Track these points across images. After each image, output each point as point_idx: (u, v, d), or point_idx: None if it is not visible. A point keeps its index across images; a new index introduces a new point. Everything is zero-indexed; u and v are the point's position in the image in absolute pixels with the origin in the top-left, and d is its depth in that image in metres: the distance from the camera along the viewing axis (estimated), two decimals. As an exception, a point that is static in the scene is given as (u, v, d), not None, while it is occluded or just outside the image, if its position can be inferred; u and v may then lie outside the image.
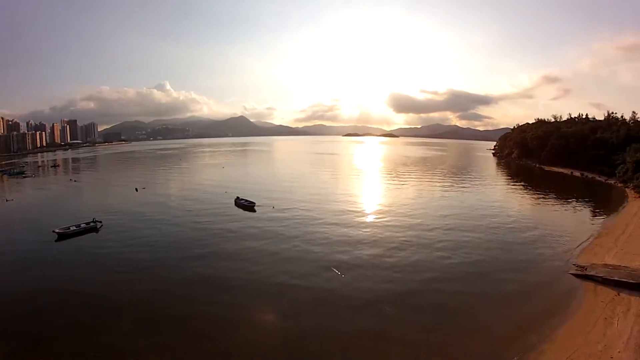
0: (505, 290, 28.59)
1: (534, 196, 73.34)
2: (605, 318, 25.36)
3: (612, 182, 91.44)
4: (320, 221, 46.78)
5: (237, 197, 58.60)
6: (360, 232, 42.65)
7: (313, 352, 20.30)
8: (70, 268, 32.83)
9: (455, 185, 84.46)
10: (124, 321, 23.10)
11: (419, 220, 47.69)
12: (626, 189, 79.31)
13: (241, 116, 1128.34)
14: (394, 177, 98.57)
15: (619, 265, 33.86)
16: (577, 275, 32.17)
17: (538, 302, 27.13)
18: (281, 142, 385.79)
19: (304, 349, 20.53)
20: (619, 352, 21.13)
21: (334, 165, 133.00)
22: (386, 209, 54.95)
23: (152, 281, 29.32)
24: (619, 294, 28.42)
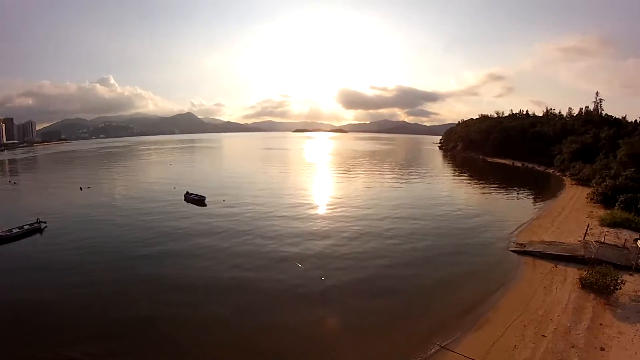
0: (453, 271, 31.07)
1: (478, 186, 79.18)
2: (545, 287, 28.59)
3: (551, 171, 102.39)
4: (272, 215, 47.17)
5: (187, 192, 58.71)
6: (313, 224, 43.45)
7: (268, 345, 20.31)
8: (13, 274, 30.08)
9: (404, 177, 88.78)
10: (75, 327, 21.62)
11: (370, 211, 49.61)
12: (563, 177, 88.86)
13: (188, 112, 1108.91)
14: (344, 170, 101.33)
15: (555, 242, 38.27)
16: (517, 252, 35.79)
17: (483, 278, 29.93)
18: (230, 139, 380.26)
19: (259, 342, 20.49)
20: (558, 315, 23.91)
21: (284, 161, 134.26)
22: (337, 201, 56.59)
23: (101, 284, 27.75)
24: (556, 266, 32.27)
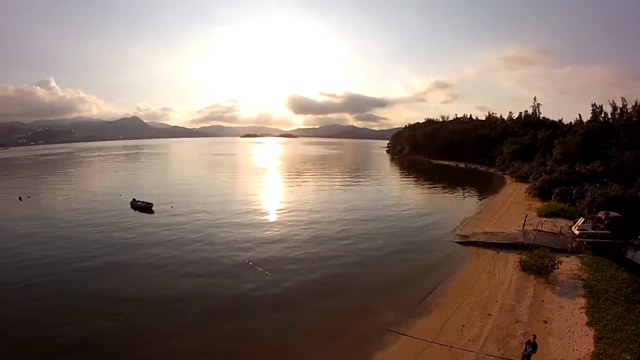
0: (404, 265, 33.25)
1: (425, 186, 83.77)
2: (488, 272, 31.50)
3: (492, 170, 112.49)
4: (223, 221, 46.52)
5: (133, 199, 56.78)
6: (265, 229, 43.43)
7: (228, 351, 20.12)
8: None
9: (354, 180, 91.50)
10: (19, 345, 19.91)
11: (322, 214, 50.60)
12: (504, 175, 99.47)
13: (134, 117, 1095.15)
14: (294, 175, 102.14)
15: (497, 232, 42.38)
16: (462, 243, 39.19)
17: (432, 269, 32.44)
18: (177, 144, 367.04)
19: (218, 349, 20.27)
20: (502, 295, 26.48)
21: (233, 166, 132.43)
22: (289, 205, 57.05)
23: (47, 299, 25.64)
24: (498, 253, 35.66)
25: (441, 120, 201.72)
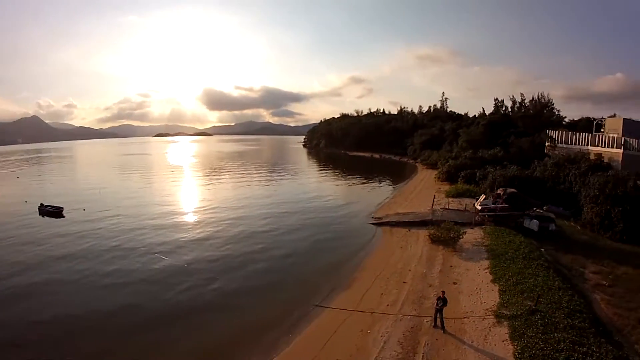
0: (325, 248, 34.70)
1: (343, 177, 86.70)
2: (401, 247, 33.79)
3: (406, 159, 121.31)
4: (141, 224, 42.39)
5: (41, 204, 50.24)
6: (187, 230, 40.53)
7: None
8: None
9: (273, 175, 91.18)
10: None
11: (244, 211, 49.19)
12: (416, 163, 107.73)
13: (34, 116, 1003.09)
14: (213, 172, 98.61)
15: (408, 212, 45.53)
16: (376, 224, 41.92)
17: (350, 249, 34.31)
18: (84, 146, 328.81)
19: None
20: (415, 265, 28.60)
21: (147, 167, 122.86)
22: (209, 204, 54.45)
23: None
24: (409, 230, 38.43)
25: (356, 115, 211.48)
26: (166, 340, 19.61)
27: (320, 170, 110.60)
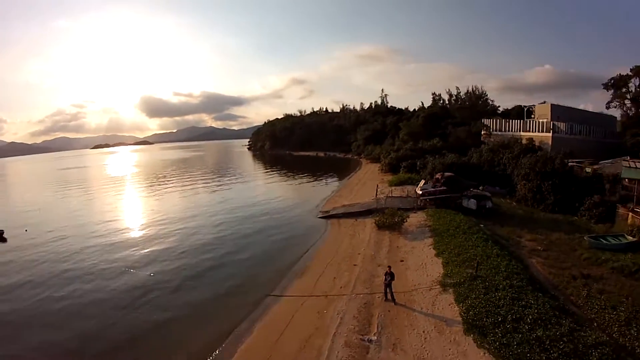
0: (278, 244, 34.87)
1: (290, 177, 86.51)
2: (350, 235, 34.69)
3: (350, 155, 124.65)
4: (90, 243, 37.86)
5: None
6: (140, 246, 36.68)
7: None
8: None
9: (220, 179, 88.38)
10: None
11: (195, 221, 45.83)
12: (360, 158, 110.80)
13: None
14: (157, 182, 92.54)
15: (354, 204, 46.68)
16: (324, 217, 42.73)
17: (302, 242, 34.65)
18: (17, 163, 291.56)
19: None
20: (364, 249, 29.61)
21: (87, 181, 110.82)
22: (158, 216, 49.93)
23: None
24: (356, 220, 39.43)
25: (299, 114, 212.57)
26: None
27: (267, 172, 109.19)
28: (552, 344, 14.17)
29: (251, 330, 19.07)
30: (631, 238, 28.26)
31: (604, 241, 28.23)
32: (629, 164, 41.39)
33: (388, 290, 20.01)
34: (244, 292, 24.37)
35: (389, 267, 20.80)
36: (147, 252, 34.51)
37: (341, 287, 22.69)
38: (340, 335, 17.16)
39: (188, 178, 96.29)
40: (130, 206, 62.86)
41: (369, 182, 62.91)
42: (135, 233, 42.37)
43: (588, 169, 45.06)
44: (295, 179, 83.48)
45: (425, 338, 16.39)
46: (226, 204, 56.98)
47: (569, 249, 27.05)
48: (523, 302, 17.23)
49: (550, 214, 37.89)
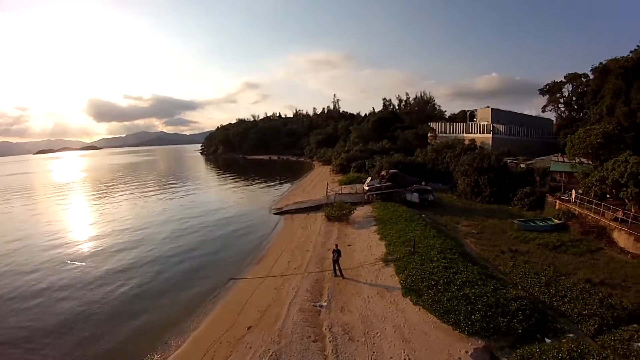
0: (237, 240, 35.65)
1: (244, 180, 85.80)
2: (302, 227, 36.37)
3: (303, 159, 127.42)
4: (33, 264, 32.39)
5: None
6: (92, 262, 32.28)
7: None
8: None
9: (174, 185, 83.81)
10: None
11: (150, 230, 41.47)
12: (313, 161, 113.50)
13: None
14: (107, 188, 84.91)
15: (306, 200, 48.10)
16: (278, 213, 44.15)
17: (259, 237, 35.76)
18: None
19: None
20: (315, 237, 31.46)
21: (29, 189, 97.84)
22: (108, 227, 44.41)
23: None
24: (308, 214, 40.86)
25: (252, 119, 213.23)
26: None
27: (221, 176, 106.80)
28: (477, 298, 16.21)
29: (216, 306, 20.35)
30: (557, 221, 31.78)
31: (532, 224, 31.29)
32: (557, 158, 45.95)
33: (336, 266, 21.72)
34: (208, 278, 25.48)
35: (336, 244, 22.65)
36: (104, 268, 32.10)
37: (295, 268, 24.29)
38: (295, 304, 18.74)
39: (140, 184, 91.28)
40: (77, 217, 55.43)
41: (320, 183, 64.44)
42: (86, 252, 37.91)
43: (522, 165, 49.31)
44: (249, 181, 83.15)
45: (369, 301, 18.26)
46: (185, 207, 54.65)
47: (500, 231, 30.01)
48: (454, 270, 19.38)
49: (487, 204, 41.18)
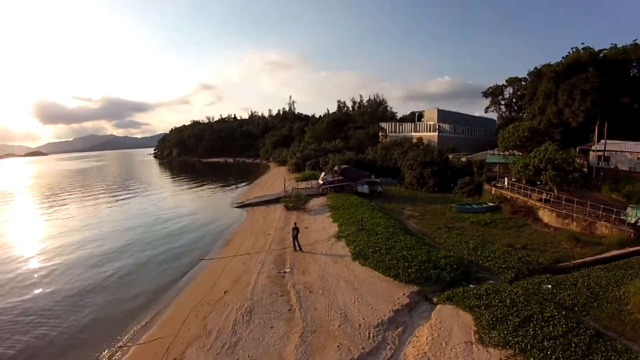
0: (205, 232, 36.80)
1: (200, 183, 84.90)
2: (263, 217, 39.21)
3: (259, 160, 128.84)
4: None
5: None
6: (39, 283, 28.84)
7: None
8: None
9: (128, 191, 79.35)
10: None
11: (103, 241, 38.22)
12: (269, 163, 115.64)
13: None
14: (54, 197, 76.79)
15: (265, 194, 50.46)
16: (239, 207, 46.73)
17: (223, 226, 37.88)
18: None
19: None
20: (275, 224, 34.57)
21: None
22: (57, 240, 38.58)
23: None
24: (268, 206, 43.50)
25: (207, 121, 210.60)
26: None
27: (177, 180, 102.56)
28: (413, 258, 20.00)
29: (192, 281, 22.74)
30: (491, 204, 36.37)
31: (469, 207, 35.47)
32: (493, 152, 50.95)
33: (296, 242, 24.88)
34: (181, 259, 27.76)
35: (295, 223, 26.13)
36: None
37: (259, 248, 27.12)
38: (263, 272, 21.64)
39: (91, 192, 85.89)
40: (24, 233, 49.03)
41: (278, 181, 66.83)
42: (32, 271, 37.46)
43: (463, 159, 54.16)
44: (206, 184, 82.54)
45: (325, 266, 21.57)
46: (147, 210, 51.90)
47: (440, 214, 34.33)
48: (395, 240, 23.34)
49: (431, 194, 45.90)
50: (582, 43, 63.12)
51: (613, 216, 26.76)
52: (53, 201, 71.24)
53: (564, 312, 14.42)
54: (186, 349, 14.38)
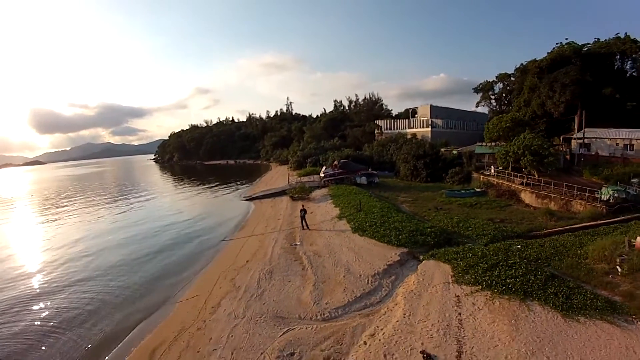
0: (220, 222, 39.43)
1: (204, 185, 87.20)
2: (272, 207, 42.83)
3: (259, 161, 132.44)
4: None
5: None
6: (47, 296, 29.72)
7: None
8: None
9: (135, 196, 79.64)
10: None
11: (110, 244, 36.84)
12: (270, 163, 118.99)
13: None
14: (57, 204, 75.98)
15: (269, 189, 53.57)
16: (247, 200, 50.71)
17: (237, 215, 41.44)
18: None
19: None
20: (283, 211, 37.87)
21: None
22: (62, 247, 37.58)
23: None
24: (274, 198, 47.08)
25: (206, 125, 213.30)
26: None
27: (179, 183, 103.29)
28: (404, 227, 23.99)
29: (217, 255, 26.43)
30: (478, 189, 39.66)
31: (457, 192, 38.96)
32: (481, 144, 54.50)
33: (304, 222, 28.56)
34: (206, 241, 31.16)
35: (302, 205, 30.04)
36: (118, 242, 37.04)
37: (272, 229, 30.79)
38: (277, 246, 25.33)
39: (95, 198, 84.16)
40: (30, 241, 52.21)
41: (280, 178, 70.50)
42: (38, 283, 42.61)
43: (454, 151, 57.61)
44: (212, 182, 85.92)
45: (329, 238, 25.40)
46: (146, 223, 48.50)
47: (431, 199, 38.04)
48: (388, 216, 27.26)
49: (424, 183, 49.46)
50: (566, 38, 66.78)
51: (587, 194, 30.31)
52: (50, 214, 72.42)
53: (525, 261, 17.95)
54: (221, 299, 17.87)
